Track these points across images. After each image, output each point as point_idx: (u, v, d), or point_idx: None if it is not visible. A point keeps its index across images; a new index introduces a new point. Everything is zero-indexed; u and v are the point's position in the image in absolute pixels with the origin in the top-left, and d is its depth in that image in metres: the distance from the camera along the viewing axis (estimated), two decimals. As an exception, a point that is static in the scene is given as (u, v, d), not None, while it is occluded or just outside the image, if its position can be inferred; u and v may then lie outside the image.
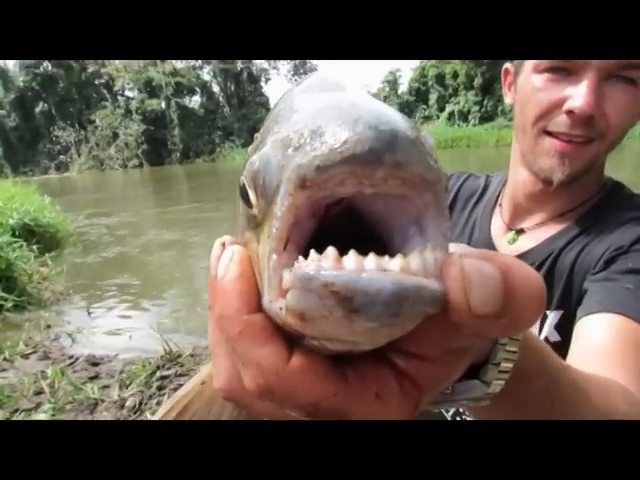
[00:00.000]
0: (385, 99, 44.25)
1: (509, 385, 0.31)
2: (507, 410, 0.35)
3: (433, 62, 39.40)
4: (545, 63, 0.74)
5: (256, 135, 0.26)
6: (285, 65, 52.57)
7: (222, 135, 44.57)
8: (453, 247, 0.22)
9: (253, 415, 0.31)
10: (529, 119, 0.78)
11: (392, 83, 44.65)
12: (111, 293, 5.52)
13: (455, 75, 36.11)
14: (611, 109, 0.71)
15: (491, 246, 0.88)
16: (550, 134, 0.76)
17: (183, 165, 40.54)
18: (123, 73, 45.30)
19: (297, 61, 52.15)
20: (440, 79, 38.39)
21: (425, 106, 40.46)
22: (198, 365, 3.27)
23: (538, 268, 0.80)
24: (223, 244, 0.25)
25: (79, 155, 48.18)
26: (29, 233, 6.93)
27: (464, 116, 36.23)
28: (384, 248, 0.20)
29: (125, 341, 4.04)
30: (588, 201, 0.82)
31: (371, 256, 0.18)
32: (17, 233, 6.54)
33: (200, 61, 48.12)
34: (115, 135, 46.36)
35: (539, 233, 0.84)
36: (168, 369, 3.24)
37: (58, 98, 48.15)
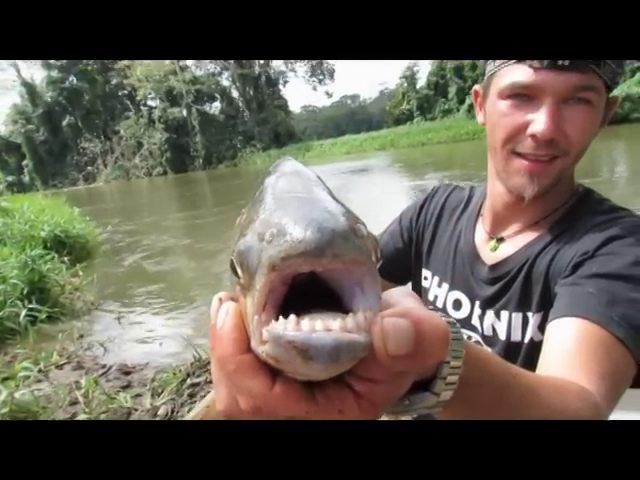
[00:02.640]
0: (404, 95, 43.82)
1: (458, 393, 0.36)
2: (462, 413, 0.41)
3: (452, 55, 38.83)
4: (507, 90, 0.80)
5: (242, 211, 0.34)
6: (302, 67, 52.67)
7: (243, 140, 44.89)
8: (397, 293, 0.32)
9: None
10: (498, 142, 0.83)
11: (410, 78, 44.16)
12: (140, 301, 5.60)
13: (474, 67, 35.44)
14: (571, 129, 0.77)
15: (475, 254, 0.95)
16: (518, 154, 0.82)
17: (206, 171, 41.01)
18: (145, 83, 46.15)
19: (314, 62, 52.18)
20: (459, 71, 37.81)
21: (444, 99, 39.91)
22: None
23: (517, 272, 0.86)
24: (220, 299, 0.33)
25: (105, 166, 49.38)
26: (60, 244, 7.10)
27: (485, 108, 35.46)
28: (338, 299, 0.29)
29: (156, 349, 4.08)
30: (560, 208, 0.88)
31: (319, 321, 0.26)
32: (48, 245, 6.70)
33: (219, 67, 48.66)
34: (139, 144, 47.30)
35: (517, 240, 0.90)
36: (198, 376, 3.25)
37: (84, 111, 49.46)
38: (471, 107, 36.73)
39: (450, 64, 38.39)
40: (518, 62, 0.77)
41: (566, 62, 0.73)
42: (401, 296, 0.32)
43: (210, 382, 3.14)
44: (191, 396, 3.01)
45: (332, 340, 0.24)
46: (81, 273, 6.21)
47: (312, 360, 0.24)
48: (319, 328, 0.25)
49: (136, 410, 2.91)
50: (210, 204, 16.60)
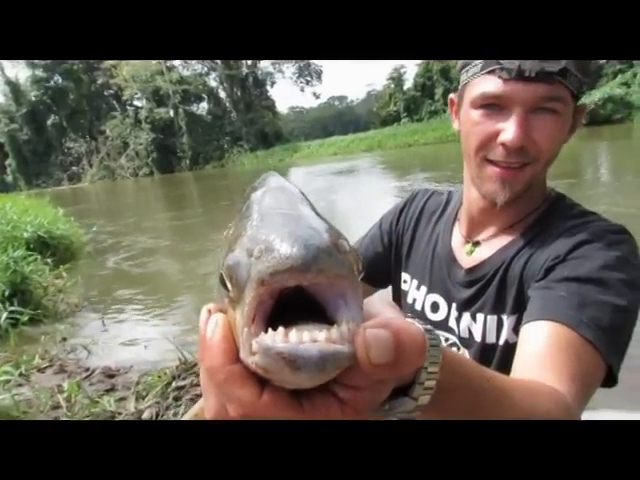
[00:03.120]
0: (391, 97, 44.04)
1: (436, 397, 0.38)
2: (440, 417, 0.42)
3: (439, 57, 39.12)
4: (479, 99, 0.83)
5: (230, 225, 0.36)
6: (290, 68, 52.61)
7: (230, 140, 44.62)
8: (377, 303, 0.34)
9: None
10: (471, 149, 0.86)
11: (397, 80, 44.39)
12: (125, 303, 5.54)
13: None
14: (539, 137, 0.80)
15: (452, 257, 0.98)
16: (491, 162, 0.84)
17: (193, 172, 40.71)
18: (131, 83, 45.65)
19: (302, 63, 52.17)
20: (445, 73, 38.09)
21: (431, 101, 40.19)
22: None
23: (493, 276, 0.89)
24: (209, 311, 0.34)
25: (91, 166, 48.70)
26: (43, 245, 6.99)
27: (472, 109, 35.74)
28: (323, 311, 0.30)
29: (141, 351, 4.04)
30: (533, 213, 0.91)
31: (306, 332, 0.27)
32: (31, 246, 6.59)
33: (206, 68, 48.39)
34: (125, 145, 46.75)
35: (492, 244, 0.93)
36: (184, 379, 3.22)
37: (69, 110, 48.75)
38: (458, 109, 36.89)
39: (436, 66, 38.69)
40: (489, 73, 0.80)
41: (533, 73, 0.76)
42: (382, 306, 0.34)
43: (196, 385, 3.12)
44: (176, 399, 2.98)
45: (318, 351, 0.26)
46: (65, 274, 6.13)
47: (300, 370, 0.26)
48: (306, 339, 0.27)
49: (120, 414, 2.88)
50: (197, 205, 16.50)
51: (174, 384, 3.14)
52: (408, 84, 43.72)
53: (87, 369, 3.58)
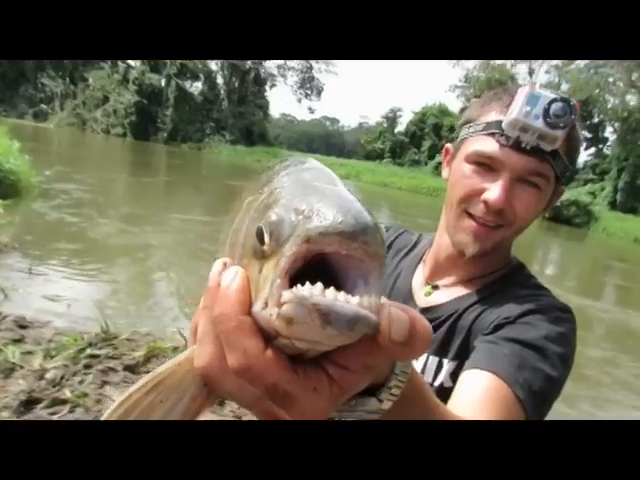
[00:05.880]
0: (380, 134, 45.08)
1: (395, 406, 0.40)
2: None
3: (434, 112, 40.49)
4: (473, 156, 0.89)
5: (260, 191, 0.37)
6: (293, 77, 52.96)
7: (214, 127, 44.03)
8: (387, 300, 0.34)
9: (217, 391, 0.39)
10: (455, 199, 0.92)
11: (390, 120, 45.54)
12: (60, 257, 5.25)
13: (452, 129, 37.04)
14: (518, 205, 0.87)
15: (410, 295, 1.03)
16: (469, 215, 0.91)
17: (167, 145, 39.71)
18: (130, 40, 44.29)
19: (306, 75, 52.66)
20: (437, 129, 39.47)
21: (416, 150, 41.41)
22: (133, 351, 3.09)
23: (444, 321, 0.94)
24: (224, 264, 0.36)
25: (62, 109, 46.49)
26: (-13, 175, 6.55)
27: (450, 169, 36.88)
28: (338, 288, 0.30)
29: (62, 309, 3.82)
30: (493, 273, 0.98)
31: (342, 293, 0.28)
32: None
33: (210, 50, 47.72)
34: (105, 99, 45.06)
35: (450, 291, 0.98)
36: (100, 348, 3.06)
37: (57, 47, 46.50)
38: (439, 165, 38.25)
39: (431, 120, 39.97)
40: (489, 135, 0.87)
41: (528, 147, 0.83)
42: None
43: (112, 357, 2.97)
44: (87, 367, 2.82)
45: (353, 311, 0.27)
46: (1, 210, 5.75)
47: (330, 324, 0.27)
48: (341, 299, 0.28)
49: (22, 368, 2.69)
50: (162, 175, 16.05)
51: (89, 351, 2.98)
52: (400, 127, 44.92)
53: (-1, 313, 3.34)
